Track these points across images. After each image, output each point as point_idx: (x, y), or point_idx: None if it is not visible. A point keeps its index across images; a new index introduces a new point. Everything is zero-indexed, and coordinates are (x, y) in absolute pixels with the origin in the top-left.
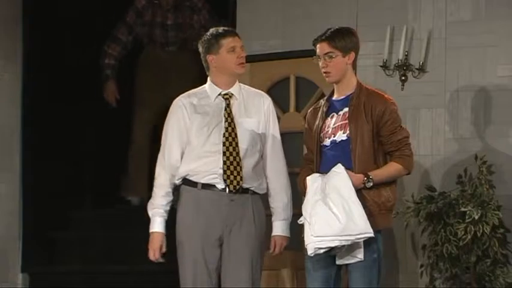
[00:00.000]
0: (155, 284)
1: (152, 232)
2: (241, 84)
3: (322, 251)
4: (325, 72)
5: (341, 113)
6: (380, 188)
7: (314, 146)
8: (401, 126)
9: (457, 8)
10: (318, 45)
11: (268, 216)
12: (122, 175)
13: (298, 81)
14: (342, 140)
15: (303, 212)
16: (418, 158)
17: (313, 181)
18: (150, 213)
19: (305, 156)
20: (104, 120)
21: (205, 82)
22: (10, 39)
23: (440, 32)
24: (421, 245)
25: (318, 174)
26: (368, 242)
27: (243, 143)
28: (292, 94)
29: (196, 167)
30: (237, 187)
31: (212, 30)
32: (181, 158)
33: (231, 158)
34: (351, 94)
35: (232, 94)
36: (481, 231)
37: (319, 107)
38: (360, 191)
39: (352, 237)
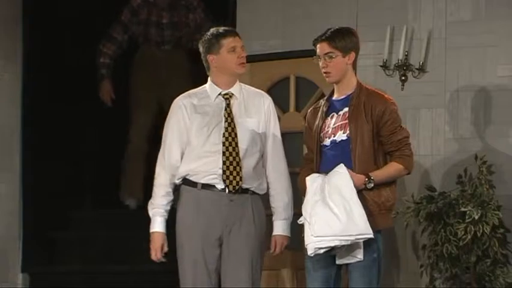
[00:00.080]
0: (155, 284)
1: (153, 232)
2: (242, 84)
3: (322, 251)
4: (325, 73)
5: (341, 113)
6: (380, 188)
7: (314, 145)
8: (401, 126)
9: (457, 8)
10: (318, 45)
11: (269, 216)
12: (122, 175)
13: (298, 81)
14: (342, 140)
15: (303, 212)
16: (418, 158)
17: (312, 181)
18: (150, 213)
19: (305, 156)
20: (104, 120)
21: (200, 80)
22: (10, 39)
23: (440, 32)
24: (421, 245)
25: (317, 175)
26: (368, 242)
27: (243, 143)
28: (292, 94)
29: (196, 167)
30: (237, 187)
31: (213, 30)
32: (182, 158)
33: (231, 158)
34: (351, 94)
35: (232, 94)
36: (481, 231)
37: (319, 107)
38: (359, 191)
39: (352, 238)
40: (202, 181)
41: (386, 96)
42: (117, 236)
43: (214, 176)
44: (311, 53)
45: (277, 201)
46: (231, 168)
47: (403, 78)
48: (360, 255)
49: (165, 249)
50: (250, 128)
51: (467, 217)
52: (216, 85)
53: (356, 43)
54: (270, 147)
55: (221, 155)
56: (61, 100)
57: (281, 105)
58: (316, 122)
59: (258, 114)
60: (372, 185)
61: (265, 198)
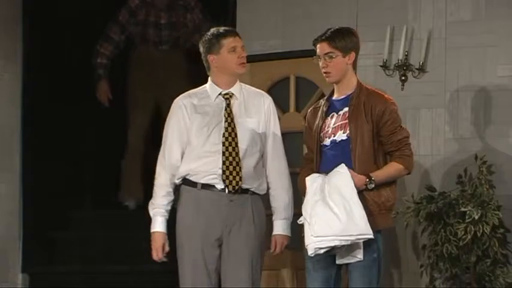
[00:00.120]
0: (155, 284)
1: (154, 232)
2: (242, 84)
3: (322, 251)
4: (325, 73)
5: (341, 112)
6: (380, 188)
7: (314, 145)
8: (401, 126)
9: (457, 8)
10: (318, 45)
11: (269, 216)
12: (121, 176)
13: (298, 81)
14: (342, 140)
15: (303, 213)
16: (418, 158)
17: (312, 181)
18: (151, 213)
19: (305, 156)
20: (104, 121)
21: (198, 80)
22: (10, 39)
23: (440, 32)
24: (421, 245)
25: (317, 175)
26: (368, 242)
27: (243, 143)
28: (292, 94)
29: (196, 167)
30: (236, 187)
31: (213, 30)
32: (182, 158)
33: (230, 158)
34: (351, 94)
35: (232, 94)
36: (481, 231)
37: (319, 107)
38: (359, 191)
39: (353, 238)
40: (202, 181)
41: (386, 96)
42: (117, 236)
43: (214, 176)
44: (311, 53)
45: (278, 200)
46: (231, 168)
47: (403, 78)
48: (359, 255)
49: (167, 249)
50: (250, 128)
51: (467, 217)
52: (217, 85)
53: (356, 43)
54: (270, 146)
55: (221, 155)
56: (61, 100)
57: (281, 105)
58: (316, 122)
59: (258, 114)
60: (373, 185)
61: (266, 198)
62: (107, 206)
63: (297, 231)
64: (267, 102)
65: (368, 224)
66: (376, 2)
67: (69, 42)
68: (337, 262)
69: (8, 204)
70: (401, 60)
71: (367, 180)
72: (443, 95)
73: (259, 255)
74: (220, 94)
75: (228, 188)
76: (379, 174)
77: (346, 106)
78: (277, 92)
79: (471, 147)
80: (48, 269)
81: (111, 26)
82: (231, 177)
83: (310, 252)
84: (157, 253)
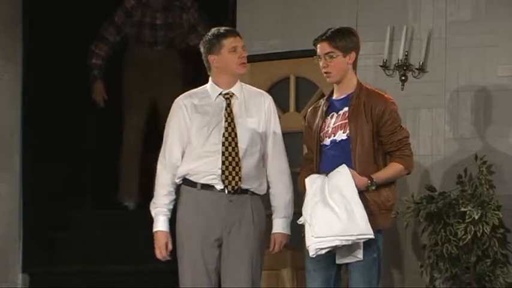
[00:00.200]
0: (155, 284)
1: (156, 231)
2: (243, 84)
3: (324, 251)
4: (325, 73)
5: (341, 112)
6: (380, 188)
7: (314, 145)
8: (401, 126)
9: (457, 8)
10: (318, 45)
11: (269, 216)
12: (119, 176)
13: (298, 81)
14: (342, 140)
15: (303, 213)
16: (418, 158)
17: (312, 182)
18: (153, 212)
19: (305, 156)
20: (104, 121)
21: (194, 81)
22: (10, 39)
23: (440, 32)
24: (421, 245)
25: (316, 175)
26: (368, 242)
27: (243, 142)
28: (292, 94)
29: (196, 167)
30: (236, 188)
31: (214, 30)
32: (182, 157)
33: (230, 158)
34: (351, 94)
35: (233, 94)
36: (481, 231)
37: (319, 106)
38: (360, 191)
39: (353, 238)
40: (202, 181)
41: (386, 96)
42: (117, 236)
43: (213, 176)
44: (311, 53)
45: (278, 199)
46: (230, 168)
47: (403, 78)
48: (359, 255)
49: (170, 247)
50: (251, 128)
51: (467, 217)
52: (217, 85)
53: (356, 43)
54: (271, 146)
55: (220, 155)
56: (61, 100)
57: (281, 105)
58: (316, 122)
59: (258, 113)
60: (374, 187)
61: (266, 198)
62: (107, 206)
63: (296, 230)
64: (267, 101)
65: (369, 224)
66: (376, 2)
67: (69, 42)
68: (337, 262)
69: (8, 204)
70: (401, 60)
71: (369, 182)
72: (443, 95)
73: (259, 256)
74: (220, 94)
75: (227, 189)
76: (380, 176)
77: (346, 106)
78: (277, 92)
79: (471, 147)
80: (48, 269)
81: (106, 27)
82: (230, 178)
83: (312, 253)
84: (161, 252)
